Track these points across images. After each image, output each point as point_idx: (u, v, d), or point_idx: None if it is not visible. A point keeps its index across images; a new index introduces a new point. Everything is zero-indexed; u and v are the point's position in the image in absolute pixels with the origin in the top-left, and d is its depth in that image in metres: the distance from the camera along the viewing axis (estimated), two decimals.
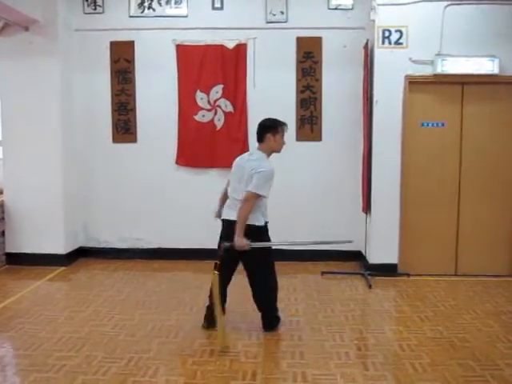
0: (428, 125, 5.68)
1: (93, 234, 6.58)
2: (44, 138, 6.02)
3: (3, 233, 6.15)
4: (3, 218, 6.12)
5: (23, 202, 6.10)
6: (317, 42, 6.17)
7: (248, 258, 3.93)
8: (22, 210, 6.11)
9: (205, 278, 5.71)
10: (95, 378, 3.28)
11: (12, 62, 5.99)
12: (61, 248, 6.13)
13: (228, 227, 3.94)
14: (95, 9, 6.29)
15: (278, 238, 6.25)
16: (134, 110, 6.37)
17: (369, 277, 5.52)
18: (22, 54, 5.95)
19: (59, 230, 6.12)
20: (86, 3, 6.28)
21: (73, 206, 6.33)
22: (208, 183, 6.33)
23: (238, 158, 4.18)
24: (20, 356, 3.67)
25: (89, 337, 3.97)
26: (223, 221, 4.07)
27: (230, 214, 3.96)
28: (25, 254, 6.12)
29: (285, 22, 6.17)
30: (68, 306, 4.79)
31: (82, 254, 6.51)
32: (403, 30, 5.54)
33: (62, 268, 6.03)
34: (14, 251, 6.16)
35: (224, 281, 3.94)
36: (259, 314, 4.13)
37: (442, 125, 5.67)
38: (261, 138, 4.09)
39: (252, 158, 4.05)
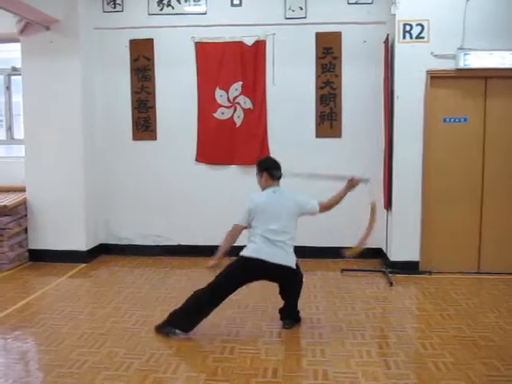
0: (450, 120, 5.59)
1: (113, 231, 6.63)
2: (65, 136, 6.09)
3: (26, 230, 6.24)
4: (26, 215, 6.21)
5: (45, 200, 6.18)
6: (336, 37, 6.12)
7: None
8: (44, 207, 6.19)
9: None
10: (117, 374, 3.31)
11: (33, 60, 6.06)
12: (82, 245, 6.19)
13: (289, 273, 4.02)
14: (115, 7, 6.33)
15: (298, 235, 6.28)
16: (153, 107, 6.40)
17: (390, 274, 5.47)
18: (43, 53, 6.02)
19: (80, 227, 6.18)
20: (105, 2, 6.32)
21: (94, 203, 6.39)
22: (228, 180, 6.34)
23: (265, 198, 4.05)
24: (43, 351, 3.72)
25: (110, 333, 4.00)
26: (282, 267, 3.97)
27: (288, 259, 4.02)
28: (47, 250, 6.20)
29: (304, 17, 6.13)
30: (89, 302, 4.85)
31: (103, 250, 6.56)
32: (424, 23, 5.47)
33: (83, 265, 6.09)
34: (36, 248, 6.25)
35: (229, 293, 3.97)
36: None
37: (465, 120, 5.58)
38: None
39: (286, 193, 4.16)
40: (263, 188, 4.16)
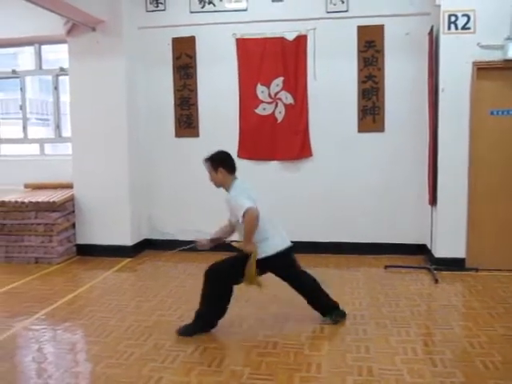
0: (498, 113, 5.42)
1: (157, 226, 6.75)
2: (110, 134, 6.24)
3: (74, 225, 6.44)
4: (73, 211, 6.40)
5: (92, 196, 6.36)
6: (379, 30, 6.03)
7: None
8: (91, 203, 6.37)
9: None
10: (163, 366, 3.37)
11: (80, 61, 6.24)
12: (127, 240, 6.34)
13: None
14: (157, 6, 6.43)
15: (341, 232, 6.27)
16: (195, 104, 6.48)
17: (435, 271, 5.36)
18: (89, 53, 6.19)
19: (126, 223, 6.34)
20: (148, 1, 6.43)
21: (138, 199, 6.53)
22: (269, 176, 6.35)
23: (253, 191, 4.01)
24: (92, 342, 3.83)
25: (156, 326, 4.09)
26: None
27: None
28: (94, 245, 6.39)
29: (345, 11, 6.06)
30: (135, 295, 4.96)
31: (147, 245, 6.70)
32: (470, 14, 5.31)
33: (129, 259, 6.24)
34: (83, 243, 6.44)
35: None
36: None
37: None
38: None
39: None
40: (221, 184, 3.99)
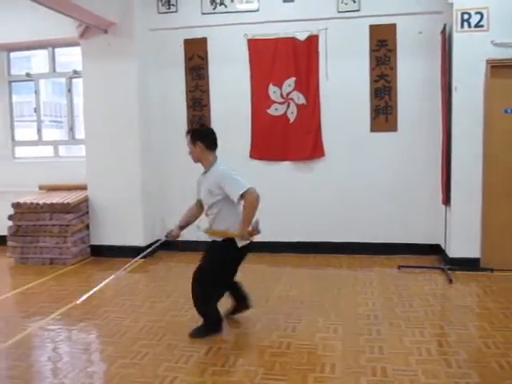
0: (511, 111, 5.37)
1: (169, 228, 6.75)
2: (123, 136, 6.28)
3: (88, 226, 6.49)
4: (87, 213, 6.46)
5: (105, 198, 6.41)
6: (391, 29, 6.00)
7: None
8: (105, 204, 6.42)
9: (280, 270, 5.77)
10: (178, 366, 3.39)
11: (92, 63, 6.29)
12: (140, 240, 6.37)
13: None
14: (169, 8, 6.46)
15: (353, 232, 6.24)
16: (207, 105, 6.50)
17: (449, 271, 5.31)
18: (101, 55, 6.24)
19: (139, 224, 6.37)
20: (160, 3, 6.46)
21: (151, 200, 6.56)
22: (281, 176, 6.35)
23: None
24: (106, 343, 3.85)
25: (169, 326, 4.11)
26: None
27: None
28: (107, 246, 6.44)
29: (357, 10, 6.04)
30: (149, 296, 4.99)
31: (160, 246, 6.70)
32: (484, 11, 5.27)
33: (142, 260, 6.25)
34: (97, 243, 6.50)
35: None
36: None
37: None
38: None
39: None
40: (198, 160, 3.92)
